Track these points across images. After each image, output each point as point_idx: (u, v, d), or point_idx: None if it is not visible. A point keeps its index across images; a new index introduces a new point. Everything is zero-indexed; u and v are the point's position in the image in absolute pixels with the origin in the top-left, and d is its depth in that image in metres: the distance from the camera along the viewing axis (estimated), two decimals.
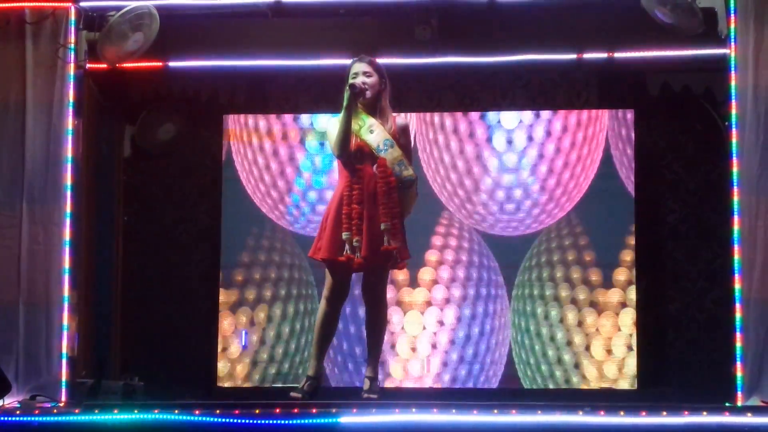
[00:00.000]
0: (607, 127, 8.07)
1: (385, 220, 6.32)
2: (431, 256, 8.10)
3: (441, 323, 8.06)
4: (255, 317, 8.17)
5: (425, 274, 8.08)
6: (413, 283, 8.06)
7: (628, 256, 7.94)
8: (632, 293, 7.91)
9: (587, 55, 7.53)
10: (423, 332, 8.06)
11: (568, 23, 7.46)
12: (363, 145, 6.40)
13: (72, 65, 7.20)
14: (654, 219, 8.10)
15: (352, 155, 6.38)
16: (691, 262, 8.03)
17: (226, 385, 8.09)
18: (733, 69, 6.89)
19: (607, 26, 7.44)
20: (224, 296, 8.18)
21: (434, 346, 8.04)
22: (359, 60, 6.49)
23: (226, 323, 8.16)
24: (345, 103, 6.35)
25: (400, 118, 6.55)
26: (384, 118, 6.44)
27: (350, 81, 6.39)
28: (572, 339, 7.96)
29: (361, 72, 6.43)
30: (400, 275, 7.89)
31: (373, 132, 6.39)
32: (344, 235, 6.33)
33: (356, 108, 6.40)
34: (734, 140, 6.87)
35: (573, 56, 7.55)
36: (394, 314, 8.00)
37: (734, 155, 6.86)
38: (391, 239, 6.33)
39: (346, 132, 6.35)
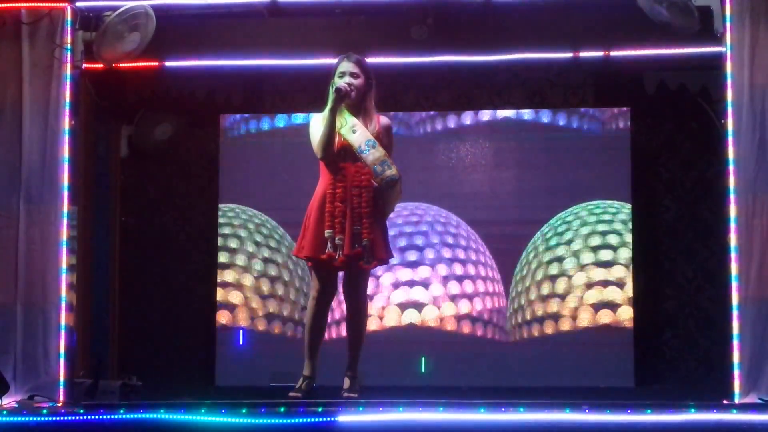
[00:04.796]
0: (603, 125, 8.09)
1: (356, 223, 6.26)
2: (427, 253, 8.12)
3: (439, 319, 8.09)
4: (253, 315, 8.18)
5: (420, 270, 8.11)
6: (411, 278, 8.09)
7: (624, 253, 7.96)
8: (629, 291, 7.93)
9: (583, 54, 7.52)
10: (417, 329, 8.09)
11: (564, 22, 7.45)
12: (346, 144, 6.31)
13: (68, 65, 7.18)
14: (650, 217, 8.11)
15: (335, 154, 6.31)
16: (687, 259, 8.05)
17: (224, 384, 8.09)
18: (729, 67, 6.89)
19: (603, 24, 7.43)
20: (221, 295, 8.18)
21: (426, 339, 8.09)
22: (347, 58, 6.39)
23: (223, 322, 8.16)
24: (329, 105, 6.27)
25: (384, 118, 6.46)
26: (368, 118, 6.36)
27: (336, 81, 6.32)
28: (569, 336, 7.97)
29: (348, 72, 6.34)
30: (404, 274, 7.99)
31: (355, 132, 6.30)
32: (327, 233, 6.26)
33: (340, 107, 6.32)
34: (730, 138, 6.86)
35: (569, 55, 7.55)
36: (391, 312, 8.03)
37: (730, 153, 6.85)
38: (362, 241, 6.23)
39: (330, 134, 6.26)
